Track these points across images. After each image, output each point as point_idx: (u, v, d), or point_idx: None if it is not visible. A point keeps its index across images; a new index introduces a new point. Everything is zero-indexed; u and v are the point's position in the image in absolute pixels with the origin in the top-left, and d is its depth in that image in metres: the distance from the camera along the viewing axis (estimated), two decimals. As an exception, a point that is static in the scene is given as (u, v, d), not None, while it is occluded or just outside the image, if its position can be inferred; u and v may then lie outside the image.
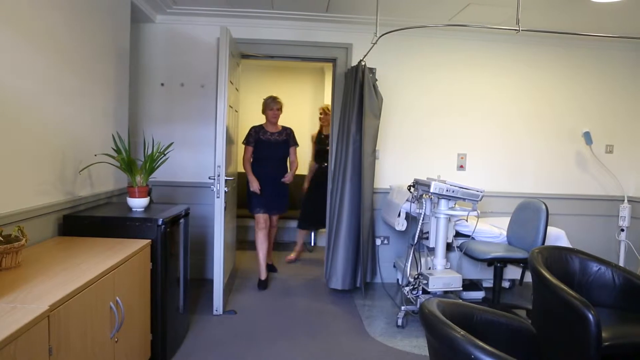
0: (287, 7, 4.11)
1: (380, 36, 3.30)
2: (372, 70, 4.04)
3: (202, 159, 4.42)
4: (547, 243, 3.56)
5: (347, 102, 4.10)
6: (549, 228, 3.57)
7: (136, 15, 3.94)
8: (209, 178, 3.68)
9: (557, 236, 3.95)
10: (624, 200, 4.69)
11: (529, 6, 3.64)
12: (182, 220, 3.04)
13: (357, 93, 3.96)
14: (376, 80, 4.11)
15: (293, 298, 4.06)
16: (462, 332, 1.42)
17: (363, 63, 3.94)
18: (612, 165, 4.77)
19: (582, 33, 3.47)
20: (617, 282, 2.56)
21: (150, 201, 3.01)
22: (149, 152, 2.92)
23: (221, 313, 3.56)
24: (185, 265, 3.14)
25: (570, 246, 3.60)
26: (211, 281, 3.67)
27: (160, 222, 2.59)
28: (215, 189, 3.49)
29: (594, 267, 2.62)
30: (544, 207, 3.52)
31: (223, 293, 3.57)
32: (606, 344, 2.11)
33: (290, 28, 4.41)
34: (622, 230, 4.65)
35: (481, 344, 1.37)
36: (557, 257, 2.65)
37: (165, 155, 2.96)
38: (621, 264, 4.58)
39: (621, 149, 4.82)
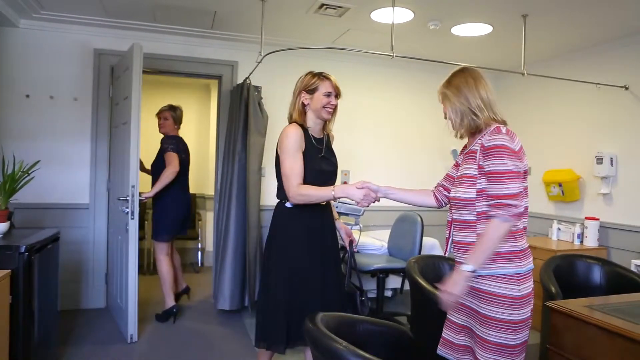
0: (171, 21, 4.00)
1: (265, 55, 3.36)
2: (257, 89, 4.08)
3: (75, 178, 4.08)
4: (424, 252, 3.86)
5: (233, 119, 4.08)
6: (424, 238, 3.87)
7: (-6, 20, 3.56)
8: (118, 199, 3.42)
9: (432, 245, 4.29)
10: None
11: (403, 35, 3.97)
12: (50, 246, 2.76)
13: (242, 111, 3.96)
14: (262, 98, 4.15)
15: (181, 321, 3.89)
16: (344, 343, 1.48)
17: (248, 81, 3.96)
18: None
19: (448, 62, 3.86)
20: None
21: (12, 226, 2.71)
22: (9, 171, 2.63)
23: (135, 340, 3.37)
24: (54, 296, 2.85)
25: (442, 254, 3.94)
26: (90, 311, 3.38)
27: (22, 250, 2.34)
28: (129, 210, 3.30)
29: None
30: (419, 219, 3.82)
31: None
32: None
33: (174, 43, 4.29)
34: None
35: (362, 353, 1.44)
36: (431, 265, 2.89)
37: (29, 174, 2.68)
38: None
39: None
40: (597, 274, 2.81)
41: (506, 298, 1.64)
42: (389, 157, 5.05)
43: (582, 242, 4.17)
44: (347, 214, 3.51)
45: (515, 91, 5.23)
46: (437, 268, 2.90)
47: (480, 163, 1.72)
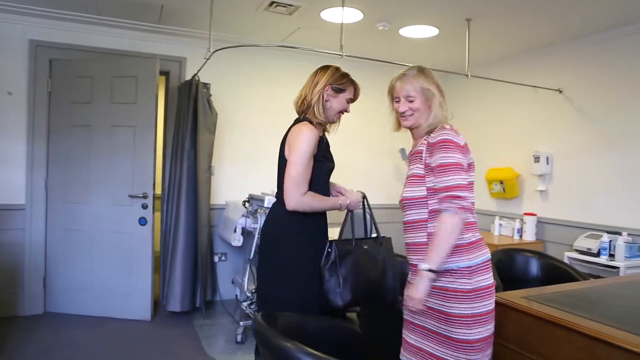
0: (116, 14, 3.85)
1: (214, 52, 3.30)
2: (206, 86, 4.01)
3: (9, 177, 3.85)
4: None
5: (181, 117, 3.99)
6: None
7: None
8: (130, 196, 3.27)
9: (380, 242, 4.36)
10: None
11: (353, 34, 4.01)
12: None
13: (191, 108, 3.88)
14: (210, 95, 4.08)
15: (130, 325, 3.75)
16: (293, 342, 1.48)
17: (197, 78, 3.88)
18: (422, 178, 5.48)
19: (396, 62, 3.94)
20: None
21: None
22: None
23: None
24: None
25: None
26: (30, 317, 3.19)
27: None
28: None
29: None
30: (368, 218, 3.87)
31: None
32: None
33: (119, 37, 4.13)
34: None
35: (311, 351, 1.44)
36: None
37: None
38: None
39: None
40: (534, 267, 2.96)
41: (457, 292, 1.65)
42: (339, 156, 5.08)
43: (521, 236, 4.38)
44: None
45: (460, 92, 5.41)
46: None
47: (427, 161, 1.74)
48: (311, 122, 2.04)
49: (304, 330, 1.98)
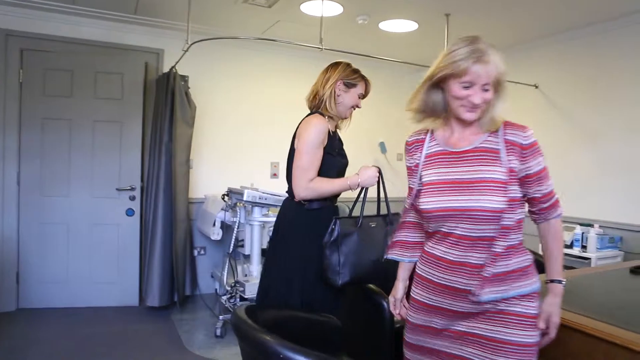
0: (91, 3, 3.76)
1: (192, 44, 3.25)
2: (184, 78, 3.95)
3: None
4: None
5: (159, 110, 3.93)
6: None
7: None
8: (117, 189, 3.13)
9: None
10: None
11: (332, 28, 4.00)
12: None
13: (169, 101, 3.82)
14: (189, 88, 4.03)
15: (107, 321, 3.70)
16: (272, 335, 1.48)
17: (175, 70, 3.83)
18: (402, 171, 5.52)
19: (375, 56, 3.95)
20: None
21: None
22: None
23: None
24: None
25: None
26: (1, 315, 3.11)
27: None
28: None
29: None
30: (347, 209, 3.87)
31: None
32: (397, 325, 2.41)
33: (95, 27, 4.04)
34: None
35: (289, 343, 1.44)
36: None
37: None
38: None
39: (408, 158, 5.60)
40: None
41: (522, 317, 1.39)
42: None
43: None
44: (276, 206, 3.52)
45: (439, 87, 5.46)
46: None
47: (512, 166, 1.42)
48: (322, 115, 2.05)
49: (285, 323, 1.98)
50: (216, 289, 4.44)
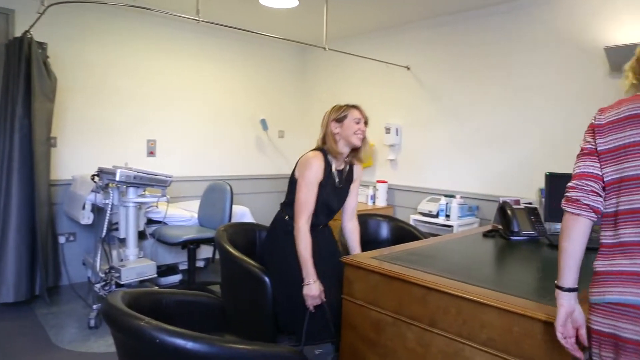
0: None
1: (49, 6, 2.91)
2: (42, 45, 3.53)
3: None
4: (234, 220, 3.91)
5: (10, 80, 3.47)
6: (234, 207, 3.91)
7: None
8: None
9: (242, 213, 4.37)
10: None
11: (210, 0, 3.85)
12: None
13: (23, 70, 3.39)
14: (48, 57, 3.61)
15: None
16: (146, 319, 1.41)
17: (30, 35, 3.40)
18: (284, 148, 5.58)
19: (255, 31, 3.89)
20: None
21: None
22: None
23: None
24: None
25: (253, 221, 4.05)
26: None
27: None
28: None
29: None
30: (228, 188, 3.84)
31: None
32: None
33: None
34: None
35: (165, 326, 1.39)
36: (241, 232, 2.94)
37: None
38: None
39: (290, 134, 5.67)
40: (385, 230, 3.22)
41: None
42: (199, 125, 4.93)
43: (374, 202, 4.74)
44: (152, 186, 3.35)
45: (318, 65, 5.57)
46: (247, 235, 2.97)
47: None
48: (325, 154, 2.28)
49: (162, 306, 1.91)
50: (89, 277, 4.13)
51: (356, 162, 2.41)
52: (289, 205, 2.30)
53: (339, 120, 2.30)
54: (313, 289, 2.09)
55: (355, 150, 2.33)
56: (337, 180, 2.33)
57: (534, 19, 3.71)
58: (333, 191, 2.32)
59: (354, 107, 2.34)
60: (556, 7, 3.60)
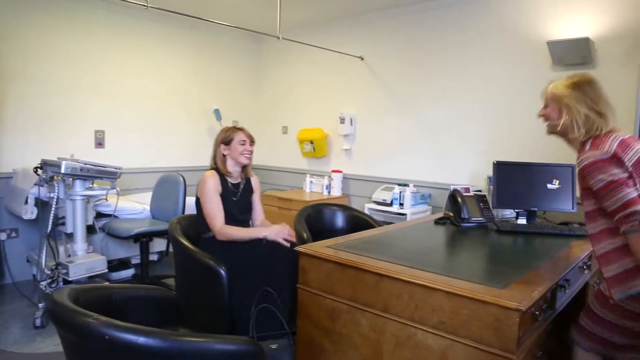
0: None
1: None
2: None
3: None
4: (187, 212, 3.83)
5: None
6: (188, 198, 3.84)
7: None
8: None
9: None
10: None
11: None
12: None
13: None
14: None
15: None
16: (94, 315, 1.37)
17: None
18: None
19: (207, 19, 3.80)
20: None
21: None
22: None
23: None
24: None
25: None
26: None
27: None
28: None
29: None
30: (181, 179, 3.76)
31: None
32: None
33: None
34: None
35: (115, 322, 1.35)
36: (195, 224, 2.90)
37: None
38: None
39: (244, 124, 5.56)
40: (340, 219, 3.26)
41: None
42: (150, 116, 4.78)
43: (329, 192, 4.77)
44: (101, 178, 3.23)
45: (272, 54, 5.52)
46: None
47: None
48: (216, 170, 2.56)
49: (112, 302, 1.86)
50: (34, 275, 3.95)
51: (251, 175, 2.71)
52: (203, 223, 2.51)
53: (226, 142, 2.60)
54: (272, 231, 2.42)
55: (244, 167, 2.63)
56: (235, 192, 2.60)
57: (484, 13, 3.83)
58: (233, 203, 2.56)
59: (240, 129, 2.63)
60: (504, 2, 3.72)
